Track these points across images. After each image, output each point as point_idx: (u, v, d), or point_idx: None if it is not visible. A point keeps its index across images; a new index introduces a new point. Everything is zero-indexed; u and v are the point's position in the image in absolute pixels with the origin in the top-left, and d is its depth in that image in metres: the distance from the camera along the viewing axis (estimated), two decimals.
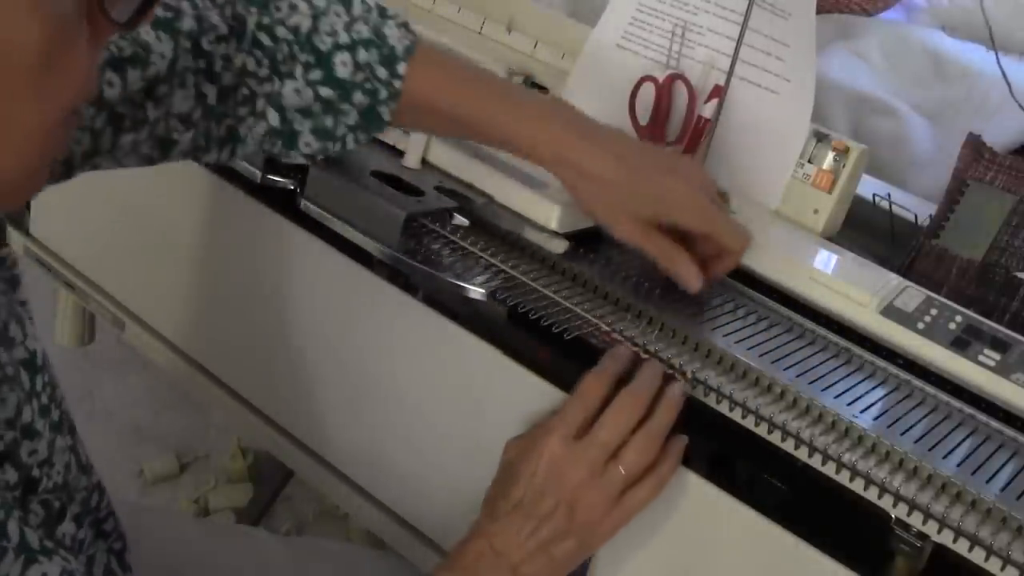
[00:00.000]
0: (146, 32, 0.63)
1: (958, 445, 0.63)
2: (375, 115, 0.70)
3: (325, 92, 0.68)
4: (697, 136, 0.85)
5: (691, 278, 0.70)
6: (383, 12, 0.70)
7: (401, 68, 0.69)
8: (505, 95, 0.71)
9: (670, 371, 0.66)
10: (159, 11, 0.64)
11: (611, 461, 0.64)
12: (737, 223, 0.73)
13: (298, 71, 0.68)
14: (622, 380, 0.66)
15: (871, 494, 0.60)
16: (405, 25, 0.70)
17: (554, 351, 0.70)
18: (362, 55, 0.68)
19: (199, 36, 0.66)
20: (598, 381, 0.65)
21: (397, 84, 0.69)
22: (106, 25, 0.43)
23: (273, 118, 0.69)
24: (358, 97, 0.69)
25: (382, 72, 0.69)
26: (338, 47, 0.68)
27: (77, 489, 0.60)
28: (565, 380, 0.68)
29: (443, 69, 0.71)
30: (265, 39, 0.68)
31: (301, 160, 0.72)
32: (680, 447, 0.65)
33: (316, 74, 0.68)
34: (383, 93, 0.69)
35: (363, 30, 0.69)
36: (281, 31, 0.68)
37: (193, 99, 0.67)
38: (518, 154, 0.71)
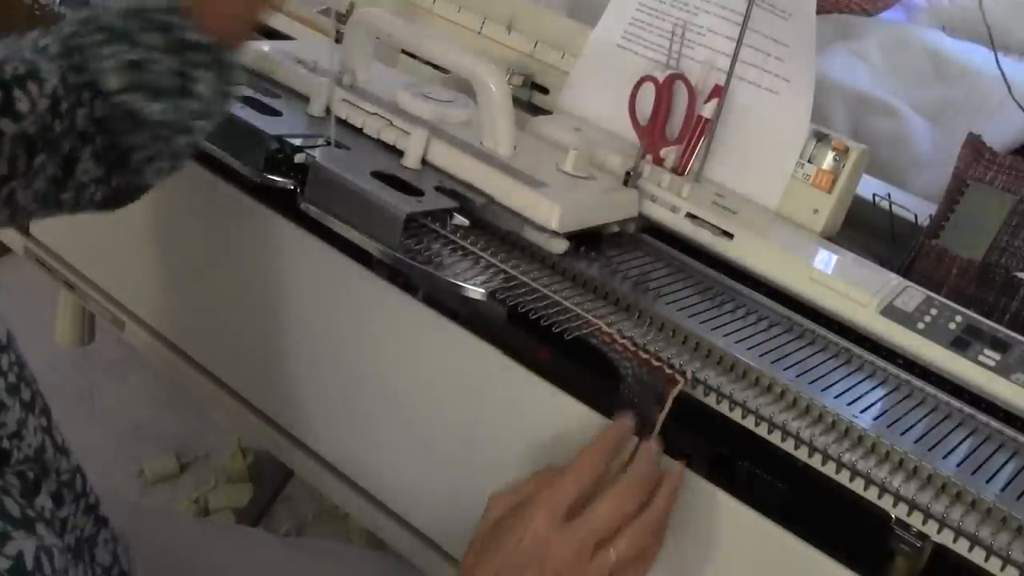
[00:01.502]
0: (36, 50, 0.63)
1: (958, 445, 0.63)
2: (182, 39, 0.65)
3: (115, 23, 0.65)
4: (697, 136, 0.85)
5: None
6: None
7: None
8: None
9: (670, 371, 0.66)
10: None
11: (601, 546, 0.60)
12: None
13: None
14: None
15: (871, 494, 0.60)
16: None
17: (554, 351, 0.70)
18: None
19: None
20: (594, 458, 0.62)
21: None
22: None
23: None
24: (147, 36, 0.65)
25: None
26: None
27: (54, 468, 0.60)
28: (565, 380, 0.68)
29: None
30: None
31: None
32: (663, 527, 0.63)
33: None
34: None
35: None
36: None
37: (86, 118, 0.65)
38: None
